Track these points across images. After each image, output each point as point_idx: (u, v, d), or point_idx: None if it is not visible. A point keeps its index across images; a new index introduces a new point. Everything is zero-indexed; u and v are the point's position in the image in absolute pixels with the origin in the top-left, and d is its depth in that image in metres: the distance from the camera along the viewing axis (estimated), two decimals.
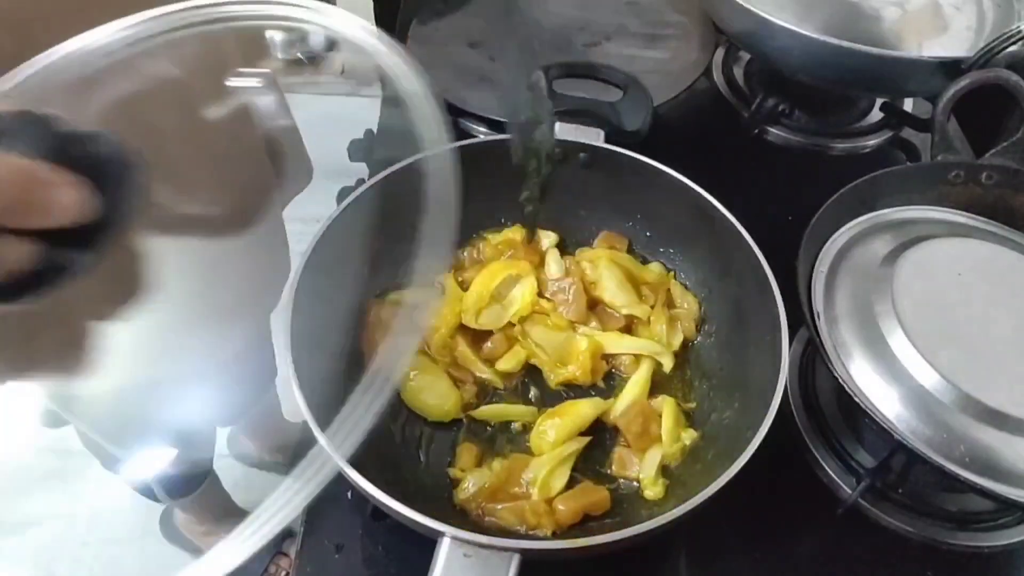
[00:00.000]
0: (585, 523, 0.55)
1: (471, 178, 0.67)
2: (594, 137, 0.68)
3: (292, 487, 0.30)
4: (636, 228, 0.71)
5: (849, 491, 0.60)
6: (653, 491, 0.56)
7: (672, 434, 0.58)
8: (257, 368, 0.98)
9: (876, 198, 0.66)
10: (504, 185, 0.67)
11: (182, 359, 0.72)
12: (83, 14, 0.48)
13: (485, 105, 0.88)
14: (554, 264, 0.67)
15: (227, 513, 1.39)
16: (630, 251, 0.71)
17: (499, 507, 0.54)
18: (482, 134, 0.85)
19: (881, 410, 0.53)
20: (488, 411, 0.61)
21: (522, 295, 0.64)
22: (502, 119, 0.67)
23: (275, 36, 2.28)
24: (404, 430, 0.60)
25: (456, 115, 0.87)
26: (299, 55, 2.28)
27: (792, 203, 0.72)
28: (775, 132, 0.90)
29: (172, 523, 1.42)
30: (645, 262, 0.71)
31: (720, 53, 0.99)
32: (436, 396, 0.60)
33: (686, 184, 0.64)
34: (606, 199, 0.70)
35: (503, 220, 0.71)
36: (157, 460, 1.03)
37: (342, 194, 0.68)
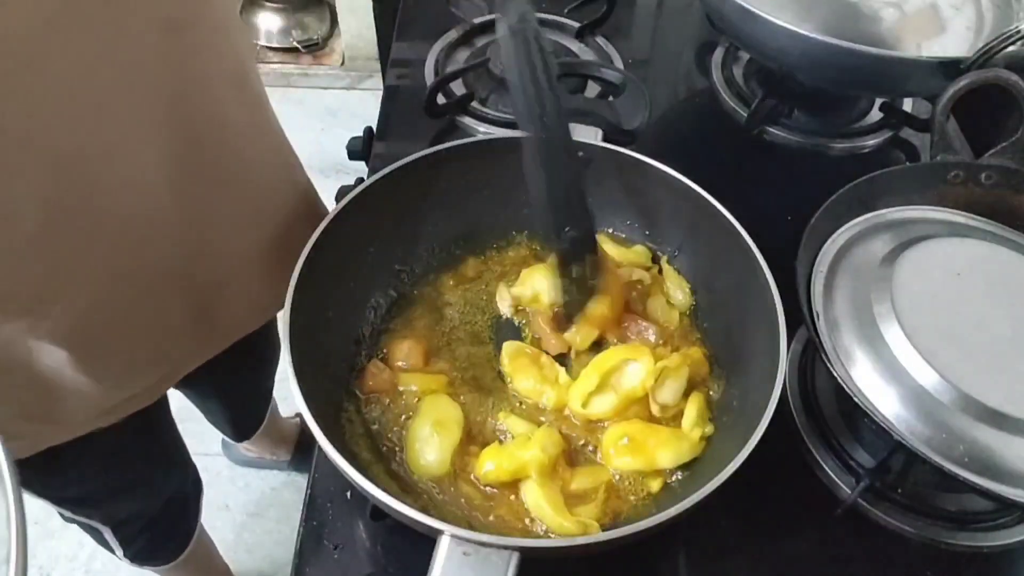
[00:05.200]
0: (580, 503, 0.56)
1: (470, 177, 0.68)
2: (592, 136, 0.68)
3: None
4: (634, 227, 0.71)
5: (848, 491, 0.60)
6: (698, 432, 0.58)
7: (695, 424, 0.58)
8: None
9: (875, 198, 0.66)
10: (508, 185, 0.68)
11: None
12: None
13: (490, 102, 0.88)
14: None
15: None
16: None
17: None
18: (481, 133, 0.85)
19: (880, 410, 0.53)
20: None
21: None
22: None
23: (271, 24, 2.26)
24: (404, 429, 0.60)
25: (456, 114, 0.87)
26: (296, 43, 2.24)
27: (791, 203, 0.72)
28: (774, 132, 0.90)
29: None
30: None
31: (720, 53, 0.99)
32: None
33: (685, 183, 0.64)
34: (604, 198, 0.70)
35: (509, 227, 0.71)
36: None
37: (341, 193, 0.68)
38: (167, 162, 0.60)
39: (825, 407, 0.65)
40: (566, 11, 1.01)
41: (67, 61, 0.49)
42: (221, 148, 0.66)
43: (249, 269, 0.74)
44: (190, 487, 1.05)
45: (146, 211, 0.60)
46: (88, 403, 0.69)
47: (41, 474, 0.76)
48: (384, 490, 0.46)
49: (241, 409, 1.26)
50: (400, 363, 0.63)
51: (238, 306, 0.77)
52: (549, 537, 0.53)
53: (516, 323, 0.67)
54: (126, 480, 0.88)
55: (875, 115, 0.93)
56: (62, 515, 0.88)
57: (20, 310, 0.57)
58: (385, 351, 0.64)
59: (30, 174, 0.51)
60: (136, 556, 1.00)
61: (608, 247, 0.69)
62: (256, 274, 0.75)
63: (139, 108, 0.56)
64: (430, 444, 0.57)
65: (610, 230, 0.71)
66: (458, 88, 0.89)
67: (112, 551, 0.98)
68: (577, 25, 0.99)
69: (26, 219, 0.53)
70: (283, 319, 0.54)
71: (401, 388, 0.61)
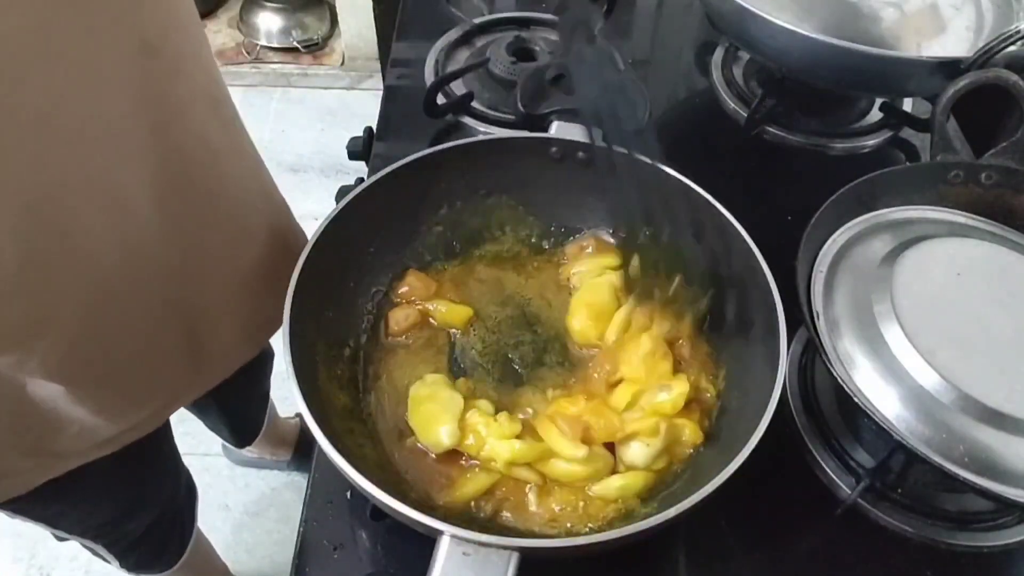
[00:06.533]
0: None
1: (470, 177, 0.68)
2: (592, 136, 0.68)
3: None
4: (634, 227, 0.71)
5: (848, 491, 0.60)
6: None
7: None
8: None
9: (875, 198, 0.66)
10: (509, 185, 0.68)
11: None
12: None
13: (490, 102, 0.88)
14: None
15: None
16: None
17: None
18: (481, 133, 0.85)
19: (880, 410, 0.53)
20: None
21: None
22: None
23: (271, 24, 2.26)
24: (405, 429, 0.60)
25: (456, 114, 0.87)
26: (296, 43, 2.24)
27: (791, 203, 0.72)
28: (774, 132, 0.90)
29: None
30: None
31: (720, 53, 0.99)
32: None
33: (685, 183, 0.64)
34: (604, 198, 0.70)
35: (509, 227, 0.71)
36: None
37: (341, 193, 0.68)
38: (150, 188, 0.59)
39: (825, 407, 0.65)
40: None
41: (42, 92, 0.48)
42: (203, 171, 0.65)
43: (236, 292, 0.74)
44: (184, 496, 1.04)
45: (130, 239, 0.59)
46: (85, 435, 0.68)
47: (34, 506, 0.75)
48: (384, 490, 0.46)
49: (240, 417, 1.26)
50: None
51: (230, 332, 0.77)
52: (549, 537, 0.53)
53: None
54: (120, 507, 0.88)
55: (875, 115, 0.93)
56: (54, 535, 0.88)
57: (7, 346, 0.57)
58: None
59: (6, 211, 0.50)
60: (133, 567, 1.00)
61: (600, 260, 0.69)
62: (244, 297, 0.75)
63: (119, 135, 0.55)
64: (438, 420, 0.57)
65: (611, 231, 0.71)
66: (458, 88, 0.89)
67: (108, 562, 0.98)
68: None
69: (7, 258, 0.52)
70: (283, 319, 0.54)
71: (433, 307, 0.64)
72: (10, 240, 0.51)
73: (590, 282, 0.67)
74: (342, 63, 2.27)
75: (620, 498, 0.55)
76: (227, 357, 0.80)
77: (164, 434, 0.92)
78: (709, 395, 0.61)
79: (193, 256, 0.67)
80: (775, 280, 0.57)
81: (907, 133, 0.91)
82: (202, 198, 0.66)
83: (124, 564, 0.98)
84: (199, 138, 0.64)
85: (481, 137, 0.82)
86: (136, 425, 0.73)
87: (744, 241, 0.60)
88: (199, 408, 1.13)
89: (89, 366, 0.63)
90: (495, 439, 0.55)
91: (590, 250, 0.70)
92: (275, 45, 2.25)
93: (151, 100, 0.57)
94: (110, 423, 0.70)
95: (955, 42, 0.80)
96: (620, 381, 0.61)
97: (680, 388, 0.58)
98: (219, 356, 0.78)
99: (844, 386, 0.53)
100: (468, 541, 0.44)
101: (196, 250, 0.67)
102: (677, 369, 0.62)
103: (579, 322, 0.65)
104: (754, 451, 0.48)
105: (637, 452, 0.56)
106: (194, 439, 1.42)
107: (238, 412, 1.24)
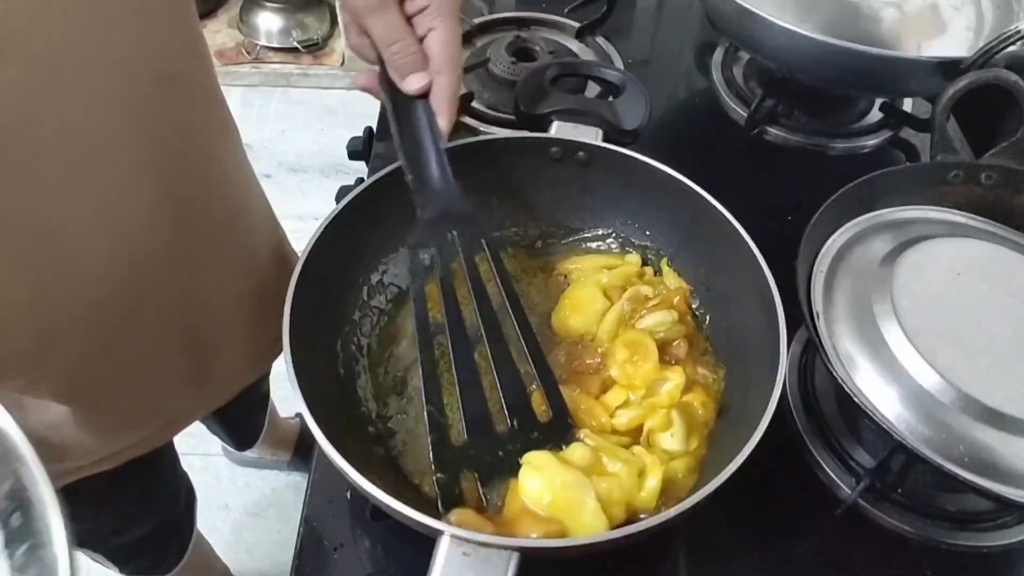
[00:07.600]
0: None
1: (470, 177, 0.68)
2: (592, 136, 0.68)
3: None
4: (634, 227, 0.71)
5: (848, 491, 0.60)
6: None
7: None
8: None
9: (875, 198, 0.66)
10: (508, 185, 0.67)
11: None
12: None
13: (490, 102, 0.88)
14: None
15: None
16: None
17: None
18: (481, 132, 0.85)
19: (880, 410, 0.53)
20: None
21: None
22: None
23: (271, 24, 2.26)
24: (404, 429, 0.60)
25: (458, 113, 0.87)
26: (296, 43, 2.25)
27: (791, 203, 0.72)
28: (774, 132, 0.90)
29: None
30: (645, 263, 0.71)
31: (720, 53, 0.99)
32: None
33: (685, 183, 0.64)
34: (604, 198, 0.70)
35: (507, 226, 0.71)
36: None
37: (341, 193, 0.68)
38: (156, 214, 0.59)
39: (825, 407, 0.65)
40: (566, 11, 1.01)
41: (53, 123, 0.48)
42: (209, 197, 0.66)
43: (240, 316, 0.74)
44: (183, 503, 1.04)
45: (136, 265, 0.60)
46: (87, 454, 0.68)
47: None
48: (384, 490, 0.46)
49: (239, 423, 1.26)
50: None
51: (233, 355, 0.77)
52: (549, 537, 0.53)
53: None
54: (120, 518, 0.88)
55: (875, 115, 0.93)
56: None
57: (18, 369, 0.57)
58: None
59: (17, 244, 0.50)
60: (133, 572, 1.00)
61: (598, 259, 0.69)
62: (248, 321, 0.75)
63: (127, 164, 0.55)
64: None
65: (610, 231, 0.71)
66: None
67: (107, 567, 0.98)
68: (577, 25, 0.99)
69: (15, 287, 0.52)
70: (283, 319, 0.53)
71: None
72: (20, 267, 0.52)
73: (580, 280, 0.67)
74: (342, 63, 2.27)
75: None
76: (230, 379, 0.80)
77: (169, 453, 0.92)
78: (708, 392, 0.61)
79: (199, 281, 0.67)
80: (775, 280, 0.57)
81: (907, 133, 0.91)
82: (208, 224, 0.66)
83: (124, 570, 0.98)
84: (206, 164, 0.64)
85: (481, 137, 0.82)
86: (137, 443, 0.73)
87: (744, 241, 0.60)
88: None
89: (96, 387, 0.63)
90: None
91: (588, 248, 0.71)
92: (275, 45, 2.25)
93: (160, 127, 0.57)
94: (112, 442, 0.70)
95: (955, 42, 0.80)
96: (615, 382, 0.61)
97: (676, 380, 0.58)
98: (222, 379, 0.78)
99: (844, 386, 0.53)
100: (468, 541, 0.44)
101: (202, 276, 0.67)
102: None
103: (560, 317, 0.65)
104: (754, 451, 0.48)
105: (670, 441, 0.55)
106: (194, 439, 1.41)
107: (237, 418, 1.24)
